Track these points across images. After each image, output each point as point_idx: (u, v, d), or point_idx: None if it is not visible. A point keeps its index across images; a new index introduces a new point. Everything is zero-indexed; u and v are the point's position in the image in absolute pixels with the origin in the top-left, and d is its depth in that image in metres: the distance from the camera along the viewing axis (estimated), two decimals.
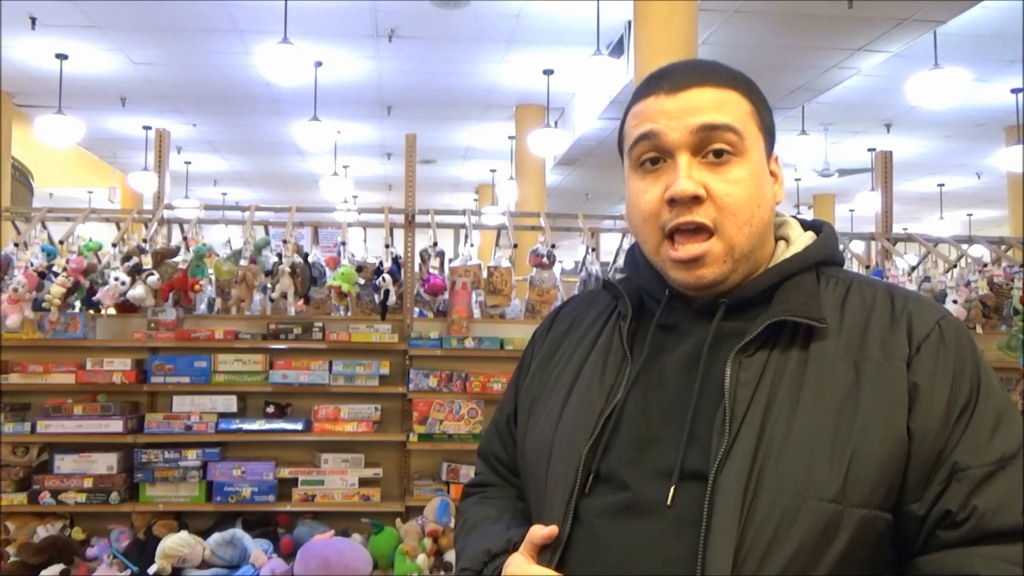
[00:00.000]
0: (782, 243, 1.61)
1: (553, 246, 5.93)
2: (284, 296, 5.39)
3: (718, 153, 1.48)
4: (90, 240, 5.64)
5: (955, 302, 5.71)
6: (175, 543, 4.64)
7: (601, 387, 1.56)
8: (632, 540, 1.42)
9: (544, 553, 1.51)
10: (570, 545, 1.48)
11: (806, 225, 1.66)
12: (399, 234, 5.82)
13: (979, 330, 5.85)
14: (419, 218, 5.81)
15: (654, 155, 1.52)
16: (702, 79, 1.52)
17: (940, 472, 1.36)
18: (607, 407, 1.52)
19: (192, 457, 5.17)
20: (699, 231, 1.49)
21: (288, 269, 5.36)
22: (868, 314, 1.48)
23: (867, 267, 6.45)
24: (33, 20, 11.57)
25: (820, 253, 1.57)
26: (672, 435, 1.44)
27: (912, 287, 5.62)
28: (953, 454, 1.36)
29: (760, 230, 1.52)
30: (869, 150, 16.52)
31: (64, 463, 5.10)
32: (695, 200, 1.47)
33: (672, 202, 1.49)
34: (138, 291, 5.13)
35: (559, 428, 1.58)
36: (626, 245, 6.18)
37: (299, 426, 5.32)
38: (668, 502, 1.39)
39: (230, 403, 5.32)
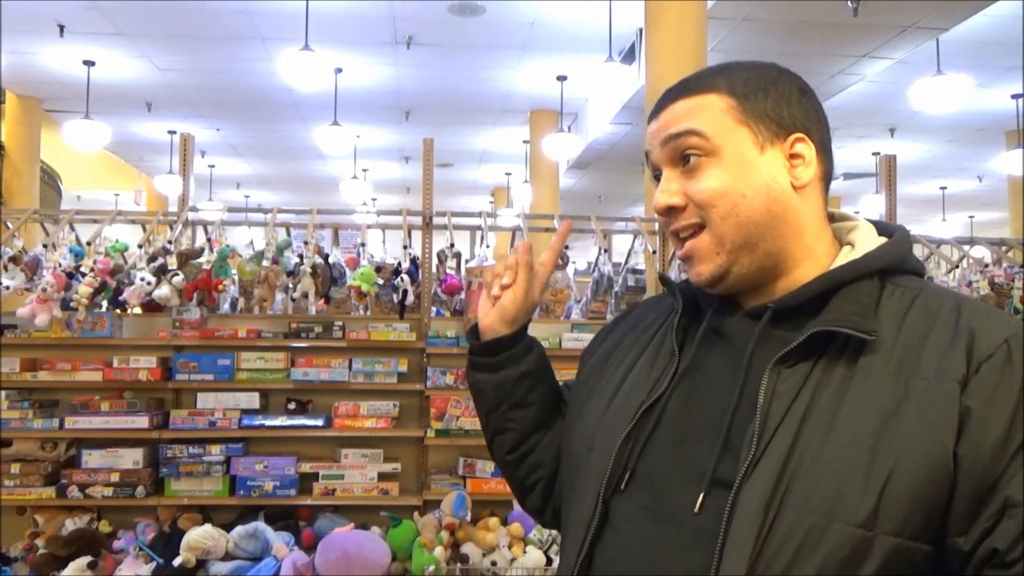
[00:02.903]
0: (847, 248, 1.51)
1: (567, 247, 5.91)
2: (305, 296, 5.38)
3: (687, 159, 1.46)
4: (116, 241, 5.63)
5: None
6: (199, 536, 4.63)
7: (647, 381, 1.53)
8: (655, 545, 1.38)
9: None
10: (598, 542, 1.46)
11: (881, 230, 1.54)
12: (417, 235, 5.80)
13: None
14: (436, 220, 5.79)
15: (656, 172, 1.53)
16: (681, 91, 1.51)
17: (990, 506, 1.23)
18: (648, 399, 1.49)
19: (216, 452, 5.16)
20: (694, 233, 1.47)
21: (309, 269, 5.35)
22: (929, 328, 1.35)
23: None
24: (61, 27, 11.61)
25: (882, 260, 1.44)
26: (709, 440, 1.38)
27: None
28: (1007, 488, 1.22)
29: (753, 219, 1.44)
30: (874, 154, 16.45)
31: (91, 458, 5.10)
32: (676, 209, 1.47)
33: (659, 214, 1.51)
34: (163, 291, 5.12)
35: (604, 419, 1.56)
36: (638, 246, 6.16)
37: (320, 422, 5.31)
38: (696, 509, 1.33)
39: (253, 400, 5.31)
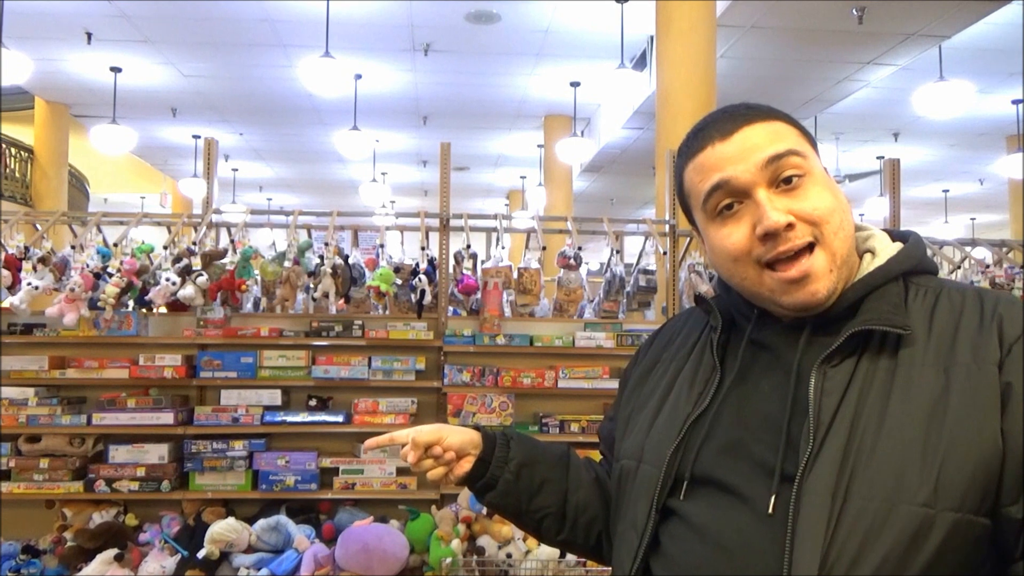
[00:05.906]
0: (868, 256, 1.54)
1: (580, 248, 5.89)
2: (326, 296, 5.37)
3: (788, 180, 1.45)
4: (142, 243, 5.62)
5: None
6: (223, 529, 4.62)
7: (690, 396, 1.56)
8: (728, 531, 1.40)
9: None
10: (665, 533, 1.49)
11: (894, 236, 1.59)
12: (434, 237, 5.78)
13: None
14: (453, 222, 5.77)
15: (729, 201, 1.48)
16: (747, 118, 1.50)
17: None
18: (693, 412, 1.52)
19: (239, 448, 5.15)
20: (800, 253, 1.44)
21: (329, 270, 5.34)
22: (958, 319, 1.41)
23: None
24: (89, 35, 11.65)
25: (904, 263, 1.50)
26: (767, 442, 1.41)
27: None
28: None
29: (850, 233, 1.49)
30: (878, 158, 16.43)
31: (118, 453, 5.09)
32: (788, 228, 1.43)
33: (766, 236, 1.44)
34: (188, 291, 5.12)
35: (651, 434, 1.58)
36: (649, 248, 6.14)
37: (340, 418, 5.29)
38: (770, 505, 1.36)
39: (275, 397, 5.31)
